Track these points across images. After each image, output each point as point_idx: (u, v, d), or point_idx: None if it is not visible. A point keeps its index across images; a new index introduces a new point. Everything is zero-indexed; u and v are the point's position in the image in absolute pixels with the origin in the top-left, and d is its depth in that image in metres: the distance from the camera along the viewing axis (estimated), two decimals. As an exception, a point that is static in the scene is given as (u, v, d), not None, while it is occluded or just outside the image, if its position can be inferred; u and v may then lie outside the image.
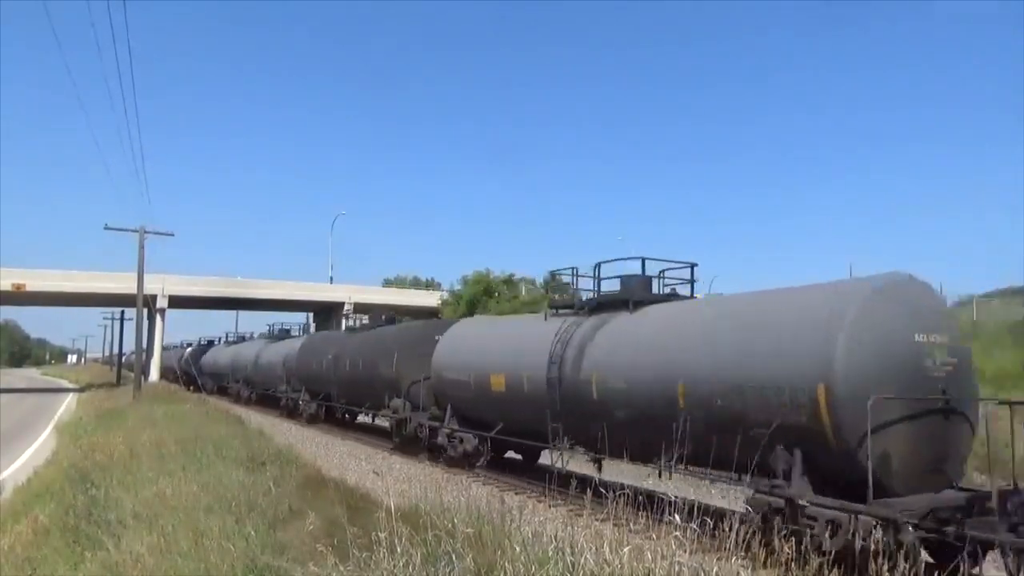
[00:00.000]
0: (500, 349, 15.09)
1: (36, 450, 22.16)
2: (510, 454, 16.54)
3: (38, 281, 45.25)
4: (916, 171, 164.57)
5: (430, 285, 75.84)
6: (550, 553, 5.21)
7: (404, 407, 18.83)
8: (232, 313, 70.29)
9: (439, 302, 55.31)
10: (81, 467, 14.42)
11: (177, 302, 51.23)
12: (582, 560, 5.02)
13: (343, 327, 47.74)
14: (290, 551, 6.90)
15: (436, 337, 18.12)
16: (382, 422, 23.10)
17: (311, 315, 61.53)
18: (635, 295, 12.39)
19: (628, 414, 11.09)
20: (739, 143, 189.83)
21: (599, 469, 12.39)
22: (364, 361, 21.89)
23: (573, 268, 14.14)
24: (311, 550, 6.46)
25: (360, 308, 54.74)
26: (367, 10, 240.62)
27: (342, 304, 54.09)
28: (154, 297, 45.65)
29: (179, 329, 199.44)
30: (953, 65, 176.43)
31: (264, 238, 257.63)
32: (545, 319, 14.41)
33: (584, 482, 9.16)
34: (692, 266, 12.75)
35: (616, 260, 13.34)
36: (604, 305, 13.00)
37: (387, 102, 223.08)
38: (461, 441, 15.82)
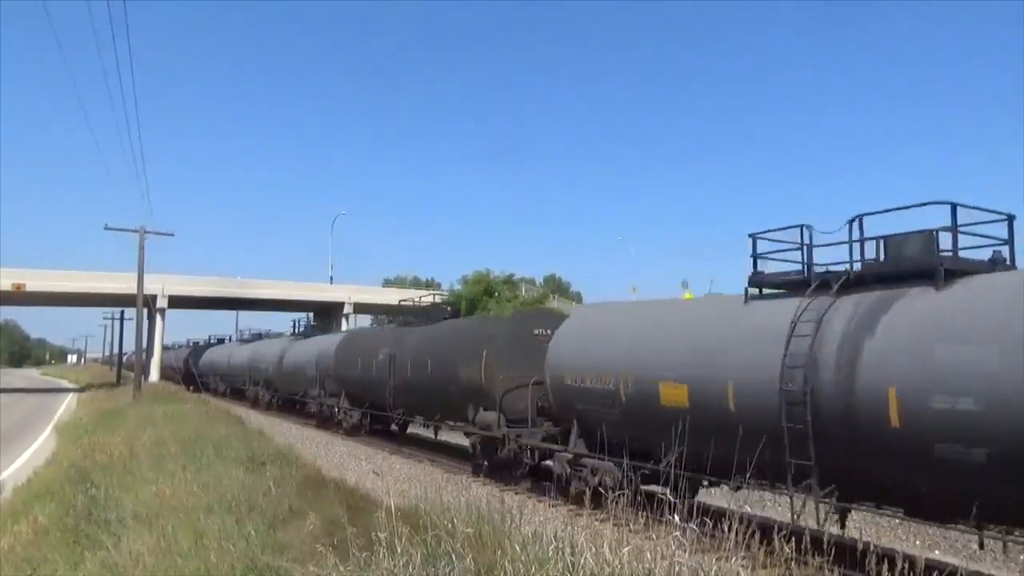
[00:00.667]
0: (674, 347, 10.53)
1: (36, 450, 22.16)
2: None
3: (38, 281, 45.28)
4: (915, 172, 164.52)
5: (430, 285, 75.84)
6: (550, 553, 5.21)
7: (499, 422, 14.33)
8: (232, 313, 70.35)
9: (442, 302, 55.17)
10: (81, 467, 14.43)
11: (177, 302, 51.27)
12: (582, 560, 5.02)
13: (343, 327, 47.78)
14: (290, 551, 6.90)
15: (536, 331, 14.61)
16: (451, 437, 19.64)
17: (311, 315, 61.56)
18: (941, 260, 7.97)
19: (978, 456, 6.77)
20: (739, 143, 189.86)
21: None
22: (435, 362, 17.41)
23: (802, 225, 9.51)
24: (311, 550, 6.47)
25: (360, 308, 54.84)
26: (367, 10, 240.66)
27: (342, 304, 54.12)
28: (154, 297, 45.67)
29: (179, 329, 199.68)
30: (954, 65, 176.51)
31: (264, 238, 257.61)
32: (745, 302, 10.04)
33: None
34: (1011, 219, 8.42)
35: (882, 212, 8.79)
36: (871, 279, 8.60)
37: (387, 102, 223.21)
38: (594, 473, 11.48)
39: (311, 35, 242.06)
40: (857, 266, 8.90)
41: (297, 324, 36.45)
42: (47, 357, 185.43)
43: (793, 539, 5.79)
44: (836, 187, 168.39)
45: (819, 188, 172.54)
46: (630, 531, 6.21)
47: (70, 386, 66.90)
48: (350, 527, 6.26)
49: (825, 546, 5.74)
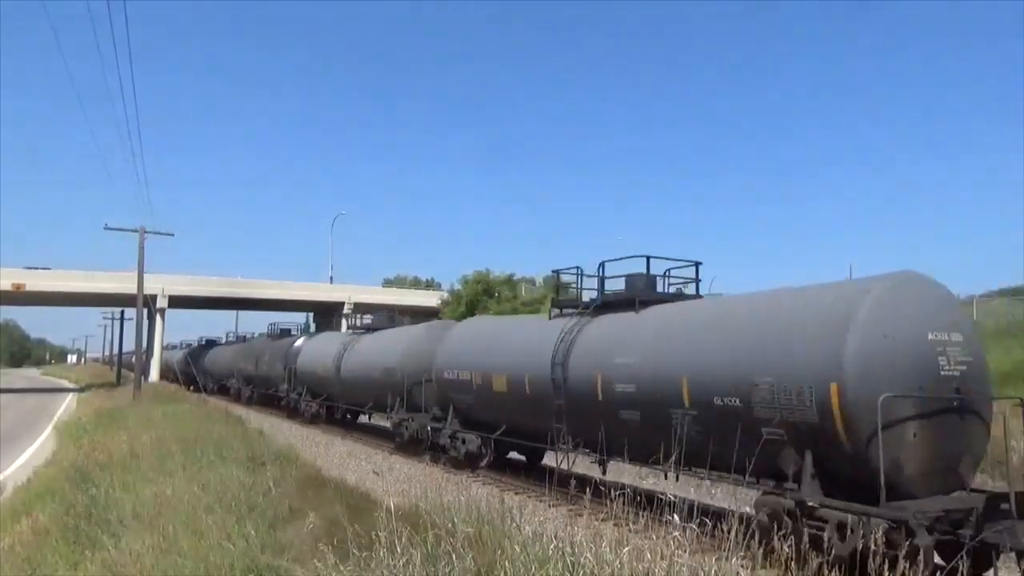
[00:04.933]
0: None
1: (36, 450, 22.17)
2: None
3: (38, 281, 45.25)
4: (914, 171, 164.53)
5: (430, 285, 75.89)
6: (550, 553, 5.21)
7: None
8: (232, 313, 70.36)
9: (439, 302, 55.31)
10: (81, 467, 14.43)
11: (177, 302, 51.25)
12: (582, 560, 5.02)
13: (343, 327, 47.79)
14: (290, 551, 6.90)
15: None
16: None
17: (311, 315, 61.58)
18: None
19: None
20: (739, 142, 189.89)
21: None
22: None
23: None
24: (311, 550, 6.47)
25: (360, 308, 54.85)
26: (368, 10, 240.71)
27: (342, 304, 54.13)
28: (154, 297, 45.65)
29: (179, 329, 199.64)
30: (954, 65, 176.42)
31: (264, 238, 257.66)
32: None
33: (583, 482, 9.15)
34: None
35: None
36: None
37: (387, 102, 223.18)
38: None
39: (311, 35, 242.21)
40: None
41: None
42: (47, 357, 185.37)
43: (793, 539, 5.79)
44: (836, 187, 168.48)
45: (819, 188, 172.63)
46: (630, 531, 6.21)
47: (70, 386, 66.89)
48: (350, 527, 6.26)
49: (825, 546, 5.76)
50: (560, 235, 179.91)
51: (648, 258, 12.72)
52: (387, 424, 21.25)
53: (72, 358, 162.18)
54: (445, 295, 57.15)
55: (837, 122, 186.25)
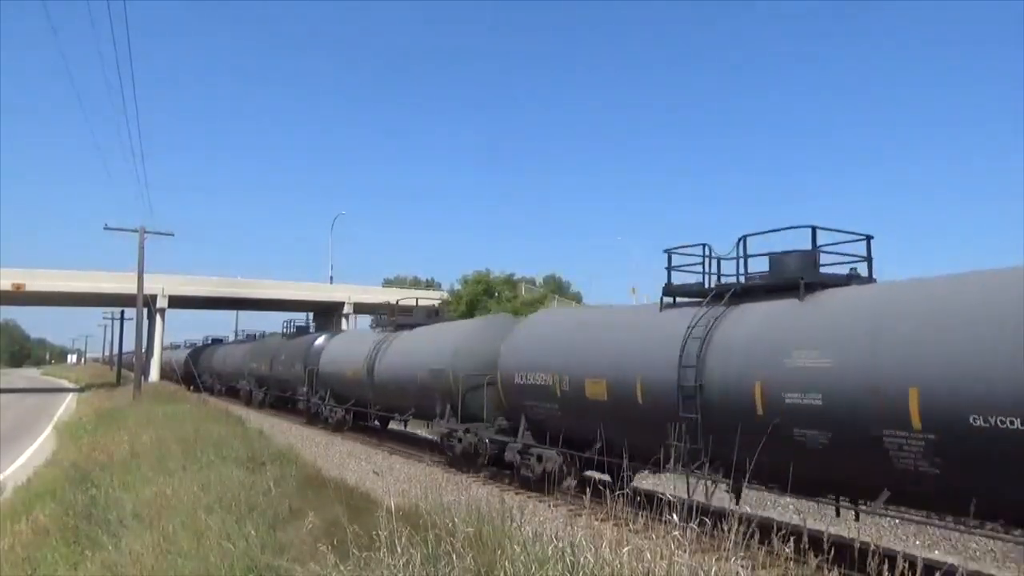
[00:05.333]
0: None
1: (36, 450, 22.16)
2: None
3: (38, 281, 45.22)
4: (914, 171, 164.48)
5: (430, 285, 75.84)
6: (550, 553, 5.21)
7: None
8: (232, 313, 70.34)
9: (439, 302, 55.26)
10: (81, 467, 14.44)
11: (177, 302, 51.22)
12: (582, 560, 5.02)
13: (343, 327, 47.78)
14: (290, 551, 6.90)
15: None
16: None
17: (311, 315, 61.52)
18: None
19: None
20: (739, 142, 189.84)
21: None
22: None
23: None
24: (311, 550, 6.47)
25: (360, 308, 54.82)
26: (368, 10, 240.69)
27: (342, 304, 54.11)
28: (154, 297, 45.62)
29: (179, 329, 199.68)
30: (955, 65, 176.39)
31: (264, 238, 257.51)
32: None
33: (583, 483, 9.08)
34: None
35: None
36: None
37: (387, 102, 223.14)
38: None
39: (312, 35, 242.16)
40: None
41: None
42: (47, 357, 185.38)
43: (792, 539, 5.79)
44: (837, 187, 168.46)
45: (819, 187, 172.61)
46: (630, 531, 6.21)
47: (70, 386, 66.88)
48: (350, 527, 6.26)
49: (825, 545, 5.73)
50: (560, 235, 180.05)
51: (814, 228, 9.73)
52: (427, 433, 19.27)
53: (72, 358, 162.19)
54: (445, 295, 57.14)
55: (837, 122, 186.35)
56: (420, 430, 22.32)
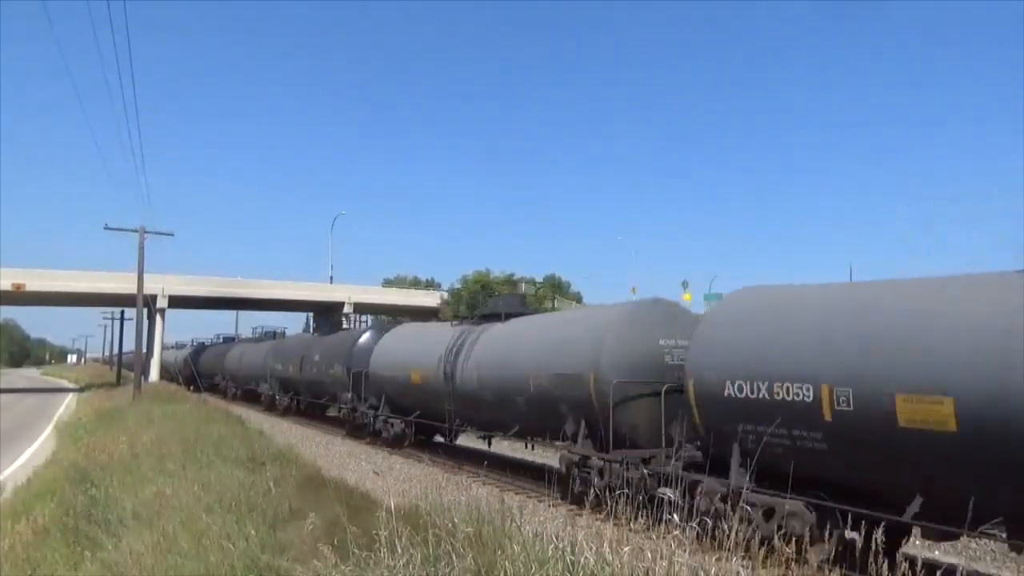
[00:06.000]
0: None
1: (36, 450, 22.15)
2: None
3: (38, 281, 45.22)
4: (914, 172, 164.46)
5: (430, 285, 75.80)
6: (550, 553, 5.21)
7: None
8: (232, 313, 70.37)
9: (439, 302, 55.28)
10: (81, 467, 14.42)
11: (177, 302, 51.21)
12: (582, 560, 5.01)
13: (343, 327, 47.74)
14: (290, 551, 6.90)
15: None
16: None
17: (311, 315, 61.53)
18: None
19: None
20: (739, 142, 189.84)
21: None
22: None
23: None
24: (311, 549, 6.46)
25: (360, 308, 54.84)
26: (368, 10, 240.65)
27: (342, 304, 54.13)
28: (154, 297, 45.61)
29: (179, 329, 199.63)
30: (956, 66, 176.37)
31: (264, 238, 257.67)
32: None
33: (569, 477, 9.09)
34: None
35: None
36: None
37: (388, 102, 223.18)
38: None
39: (312, 35, 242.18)
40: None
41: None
42: (47, 357, 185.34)
43: (792, 539, 5.79)
44: (837, 187, 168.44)
45: (819, 188, 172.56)
46: (631, 531, 6.21)
47: (70, 386, 66.85)
48: (350, 526, 6.25)
49: (826, 545, 5.75)
50: (560, 235, 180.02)
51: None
52: (529, 456, 17.53)
53: (72, 358, 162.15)
54: (445, 295, 57.13)
55: (837, 122, 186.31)
56: (513, 451, 19.22)
